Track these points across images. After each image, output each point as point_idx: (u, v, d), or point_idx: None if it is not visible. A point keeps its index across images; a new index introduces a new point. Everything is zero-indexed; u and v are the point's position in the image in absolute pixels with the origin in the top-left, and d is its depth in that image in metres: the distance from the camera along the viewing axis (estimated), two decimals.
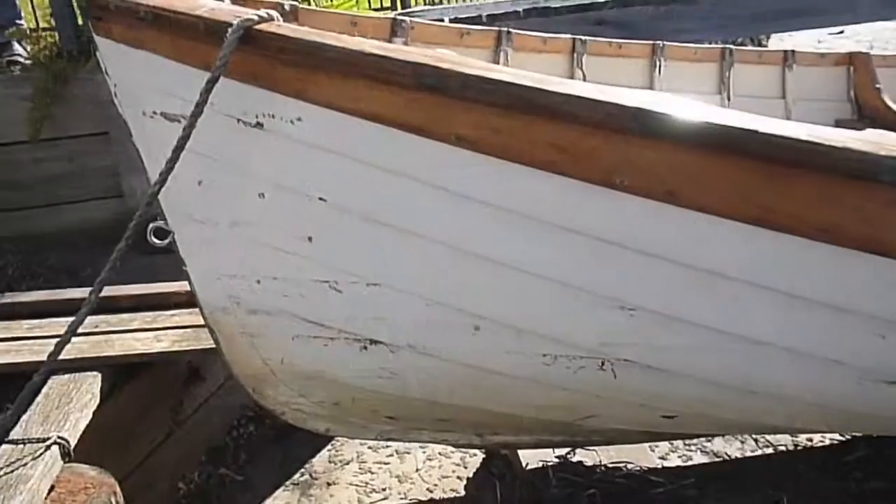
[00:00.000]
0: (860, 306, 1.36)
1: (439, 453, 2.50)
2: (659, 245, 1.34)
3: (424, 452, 2.52)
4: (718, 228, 1.28)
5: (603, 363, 1.59)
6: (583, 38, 3.02)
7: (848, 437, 2.27)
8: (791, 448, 2.32)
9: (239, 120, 1.45)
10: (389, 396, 1.80)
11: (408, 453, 2.53)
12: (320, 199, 1.49)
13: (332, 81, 1.31)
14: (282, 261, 1.61)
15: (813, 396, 1.61)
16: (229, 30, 1.31)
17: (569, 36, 3.04)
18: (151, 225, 1.65)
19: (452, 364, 1.67)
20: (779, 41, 14.50)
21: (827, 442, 2.34)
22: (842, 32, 14.43)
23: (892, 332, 1.39)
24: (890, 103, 3.16)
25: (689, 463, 2.27)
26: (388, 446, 2.56)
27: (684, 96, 3.08)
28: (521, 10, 5.56)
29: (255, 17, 1.32)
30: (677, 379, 1.61)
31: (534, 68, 2.95)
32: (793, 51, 3.33)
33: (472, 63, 1.26)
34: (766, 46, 13.42)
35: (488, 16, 5.48)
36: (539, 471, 2.19)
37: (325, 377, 1.78)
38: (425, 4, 7.38)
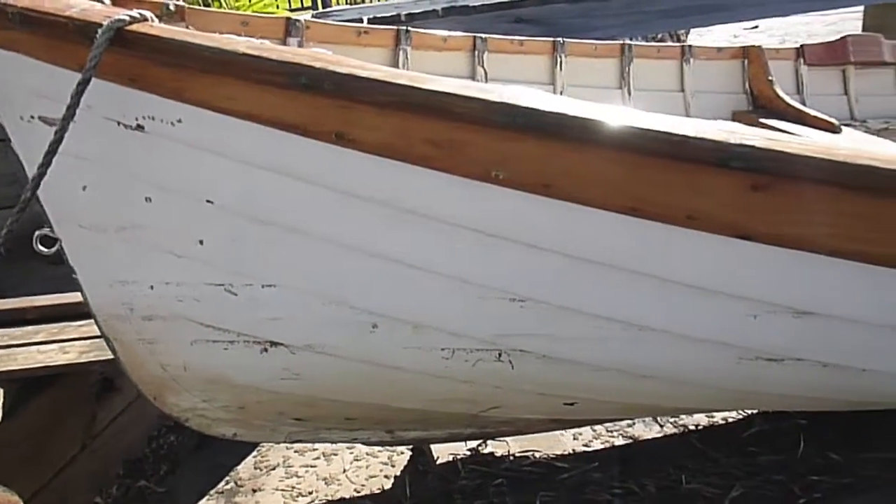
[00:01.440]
0: (731, 289, 1.42)
1: (366, 453, 2.49)
2: (541, 237, 1.38)
3: (352, 453, 2.50)
4: (596, 219, 1.32)
5: (500, 355, 1.62)
6: (483, 35, 3.06)
7: (745, 413, 2.37)
8: (693, 427, 2.41)
9: (119, 123, 1.42)
10: (294, 398, 1.79)
11: (335, 455, 2.52)
12: (207, 201, 1.47)
13: (207, 82, 1.29)
14: (174, 265, 1.58)
15: (699, 377, 1.68)
16: (99, 30, 1.28)
17: (469, 34, 3.08)
18: (37, 233, 1.60)
19: (353, 362, 1.67)
20: (697, 37, 14.96)
21: (728, 419, 2.43)
22: (756, 27, 15.00)
23: (763, 312, 1.45)
24: (781, 93, 3.32)
25: (594, 448, 2.33)
26: (314, 448, 2.54)
27: (586, 91, 3.20)
28: (439, 8, 5.60)
29: (127, 18, 1.30)
30: (573, 367, 1.66)
31: (434, 66, 3.01)
32: (690, 46, 3.45)
33: (347, 62, 1.27)
34: (685, 41, 13.80)
35: (407, 14, 5.50)
36: (449, 463, 2.22)
37: (228, 381, 1.76)
38: (346, 4, 7.38)
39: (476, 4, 5.65)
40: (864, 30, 8.77)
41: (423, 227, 1.41)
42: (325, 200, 1.40)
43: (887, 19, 8.43)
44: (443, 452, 2.24)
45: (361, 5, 6.94)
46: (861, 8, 8.84)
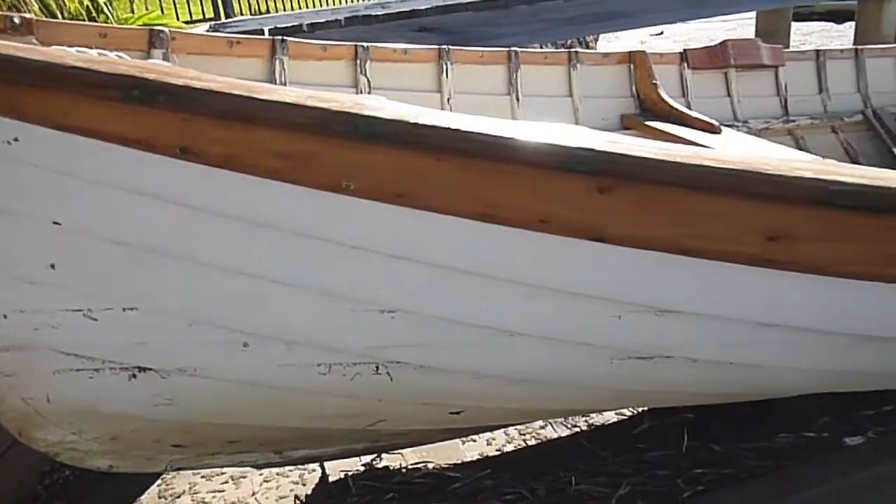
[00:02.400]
0: (592, 291, 1.44)
1: (277, 474, 2.41)
2: (401, 247, 1.36)
3: (261, 475, 2.42)
4: (452, 227, 1.32)
5: (377, 367, 1.60)
6: (364, 44, 3.04)
7: (635, 411, 2.42)
8: (584, 428, 2.45)
9: None
10: (169, 424, 1.72)
11: (244, 478, 2.43)
12: (55, 223, 1.40)
13: (39, 98, 1.22)
14: (26, 292, 1.50)
15: (577, 379, 1.70)
16: None
17: (351, 42, 3.04)
18: None
19: (228, 384, 1.62)
20: (606, 43, 15.41)
21: (619, 418, 2.48)
22: (661, 34, 15.58)
23: (626, 312, 1.48)
24: (665, 97, 3.43)
25: (488, 454, 2.34)
26: (222, 473, 2.45)
27: (474, 98, 3.22)
28: (342, 18, 5.57)
29: None
30: (450, 375, 1.65)
31: (313, 76, 2.97)
32: (576, 51, 3.52)
33: (183, 73, 1.22)
34: (594, 48, 14.19)
35: (309, 25, 5.45)
36: (341, 481, 2.18)
37: (97, 411, 1.68)
38: (251, 14, 7.24)
39: (379, 14, 5.64)
40: (756, 34, 9.21)
41: (282, 242, 1.37)
42: (176, 218, 1.35)
43: (776, 25, 8.89)
44: (335, 469, 2.20)
45: (263, 16, 6.81)
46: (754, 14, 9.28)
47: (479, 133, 1.19)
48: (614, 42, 15.18)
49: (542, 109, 3.30)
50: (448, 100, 3.04)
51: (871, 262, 1.37)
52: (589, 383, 1.73)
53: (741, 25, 12.39)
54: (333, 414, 1.77)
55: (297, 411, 1.74)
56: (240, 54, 2.74)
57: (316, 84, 2.62)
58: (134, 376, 1.60)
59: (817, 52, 4.16)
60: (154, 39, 2.41)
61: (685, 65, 3.71)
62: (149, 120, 1.21)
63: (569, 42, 12.38)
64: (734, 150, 2.92)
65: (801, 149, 3.86)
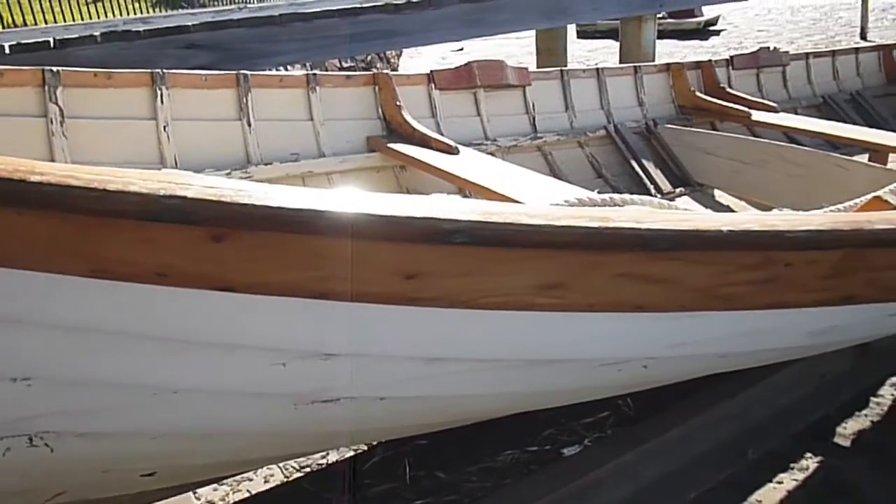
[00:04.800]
0: (245, 341, 1.35)
1: None
2: (17, 311, 1.20)
3: None
4: (65, 285, 1.17)
5: (31, 439, 1.42)
6: (54, 68, 2.76)
7: (367, 446, 2.37)
8: (308, 470, 2.36)
9: None
10: None
11: None
12: None
13: None
14: None
15: (268, 427, 1.61)
16: None
17: (37, 67, 2.73)
18: None
19: None
20: (409, 59, 15.70)
21: (353, 453, 2.42)
22: (461, 50, 16.13)
23: (291, 359, 1.41)
24: (408, 118, 3.45)
25: None
26: None
27: (196, 125, 3.06)
28: (97, 34, 5.15)
29: None
30: (121, 439, 1.50)
31: (100, 108, 2.61)
32: (315, 74, 3.45)
33: None
34: (397, 66, 14.39)
35: (59, 41, 4.98)
36: None
37: None
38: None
39: (140, 30, 5.27)
40: (536, 52, 9.74)
41: None
42: None
43: (554, 43, 9.45)
44: None
45: (14, 29, 6.17)
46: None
47: (65, 185, 1.06)
48: (417, 58, 15.53)
49: (277, 133, 3.20)
50: (164, 128, 2.85)
51: (511, 293, 1.39)
52: (284, 430, 1.65)
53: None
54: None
55: None
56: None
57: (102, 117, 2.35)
58: None
59: (561, 71, 4.41)
60: None
61: (433, 85, 3.76)
62: None
63: (369, 58, 12.44)
64: (469, 168, 2.99)
65: (549, 164, 4.06)
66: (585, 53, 14.99)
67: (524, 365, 1.63)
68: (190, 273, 1.21)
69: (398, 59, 15.43)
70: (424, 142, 3.28)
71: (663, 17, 16.81)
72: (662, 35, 17.51)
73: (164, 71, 2.93)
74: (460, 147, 3.29)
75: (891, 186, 2.44)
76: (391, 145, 3.33)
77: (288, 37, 6.10)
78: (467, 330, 1.46)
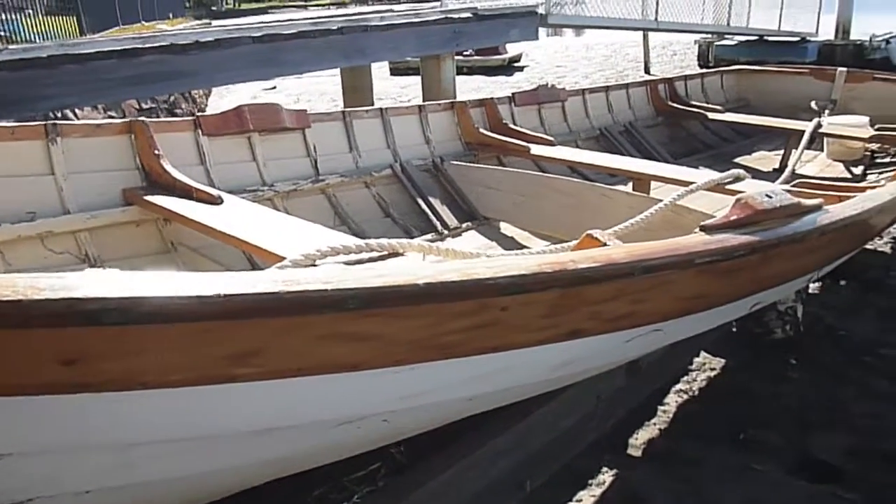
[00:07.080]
0: None
1: None
2: None
3: None
4: None
5: None
6: None
7: None
8: None
9: None
10: None
11: None
12: None
13: None
14: None
15: None
16: None
17: None
18: None
19: None
20: (219, 98, 15.19)
21: None
22: (274, 88, 15.86)
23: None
24: (168, 168, 3.23)
25: None
26: None
27: None
28: None
29: None
30: None
31: None
32: (55, 123, 3.15)
33: None
34: (205, 106, 13.81)
35: None
36: None
37: None
38: None
39: None
40: (342, 91, 9.76)
41: None
42: None
43: (359, 80, 9.52)
44: None
45: None
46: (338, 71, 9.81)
47: None
48: (227, 97, 15.04)
49: (9, 192, 2.88)
50: None
51: (198, 367, 1.28)
52: None
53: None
54: None
55: None
56: None
57: None
58: None
59: (343, 112, 4.37)
60: None
61: (199, 131, 3.57)
62: None
63: (171, 98, 11.84)
64: (229, 219, 2.83)
65: (333, 206, 3.99)
66: (398, 90, 15.24)
67: (248, 436, 1.52)
68: None
69: (206, 99, 14.84)
70: (187, 192, 3.08)
71: (470, 55, 17.57)
72: (471, 72, 18.36)
73: None
74: (225, 196, 3.11)
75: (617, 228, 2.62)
76: (149, 198, 3.10)
77: (55, 80, 5.65)
78: (160, 412, 1.33)
